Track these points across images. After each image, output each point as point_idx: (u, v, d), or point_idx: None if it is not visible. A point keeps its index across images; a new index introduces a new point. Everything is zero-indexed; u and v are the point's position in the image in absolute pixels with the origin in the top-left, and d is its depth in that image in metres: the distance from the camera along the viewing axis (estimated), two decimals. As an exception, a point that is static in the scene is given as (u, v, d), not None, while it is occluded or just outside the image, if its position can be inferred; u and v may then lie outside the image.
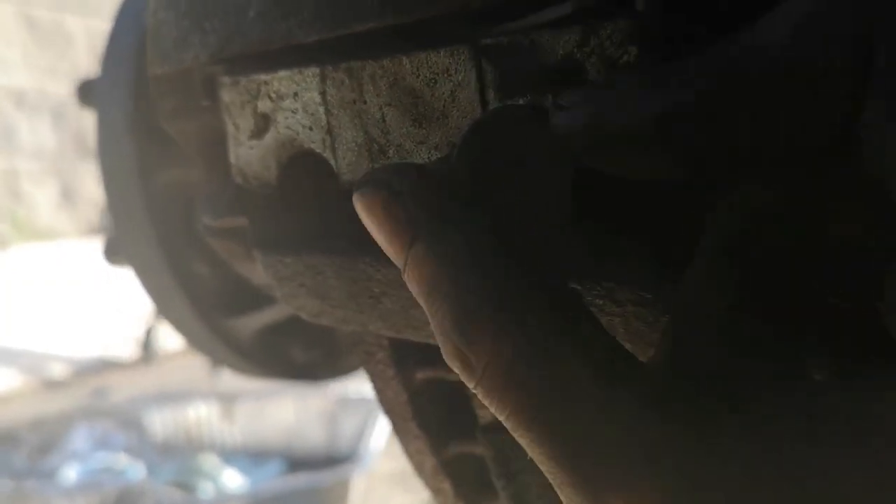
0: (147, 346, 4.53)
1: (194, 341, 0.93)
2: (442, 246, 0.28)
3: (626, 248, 0.36)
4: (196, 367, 4.07)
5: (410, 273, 0.28)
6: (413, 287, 0.28)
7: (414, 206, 0.28)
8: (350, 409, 3.25)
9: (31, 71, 5.44)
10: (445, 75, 0.38)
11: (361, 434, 3.02)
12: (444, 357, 0.28)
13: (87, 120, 5.81)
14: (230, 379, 3.64)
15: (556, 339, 0.26)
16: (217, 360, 0.95)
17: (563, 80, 0.36)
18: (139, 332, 4.53)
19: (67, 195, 5.67)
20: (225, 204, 0.54)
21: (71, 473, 2.83)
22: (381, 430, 2.92)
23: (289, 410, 3.36)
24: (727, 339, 0.27)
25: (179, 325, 0.91)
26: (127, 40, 0.80)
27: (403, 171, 0.29)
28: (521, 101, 0.37)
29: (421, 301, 0.28)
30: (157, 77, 0.50)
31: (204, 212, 0.56)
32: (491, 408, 0.27)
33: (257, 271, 0.58)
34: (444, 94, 0.38)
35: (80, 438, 3.07)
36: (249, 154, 0.46)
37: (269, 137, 0.45)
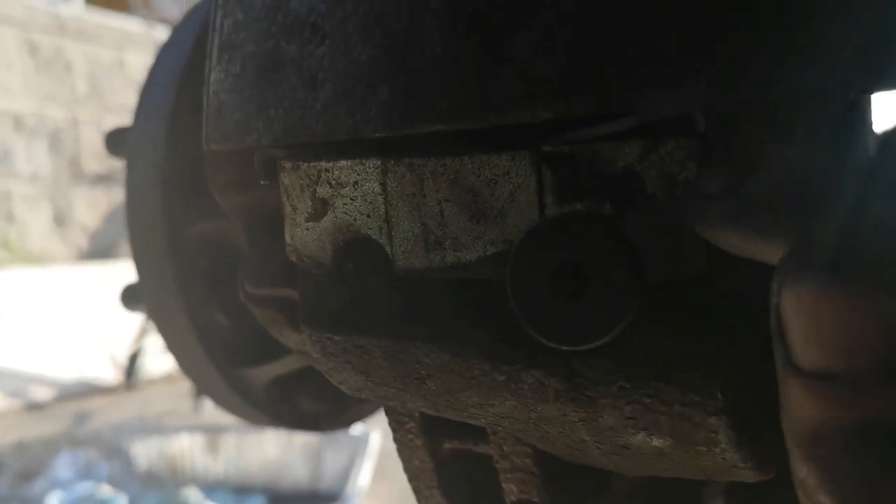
0: (130, 373, 4.51)
1: (207, 389, 0.94)
2: None
3: (676, 350, 0.38)
4: (179, 395, 4.07)
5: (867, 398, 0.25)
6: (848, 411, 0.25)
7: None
8: (336, 447, 3.24)
9: (30, 96, 5.46)
10: (506, 177, 0.40)
11: (346, 472, 3.01)
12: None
13: (83, 146, 5.83)
14: (214, 410, 3.63)
15: None
16: (228, 409, 0.96)
17: (622, 190, 0.38)
18: (123, 358, 4.51)
19: (60, 220, 5.66)
20: (269, 275, 0.56)
21: (54, 502, 2.81)
22: (367, 469, 2.91)
23: (273, 445, 3.35)
24: None
25: (193, 373, 0.92)
26: (163, 94, 0.81)
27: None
28: (578, 207, 0.39)
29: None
30: (213, 153, 0.52)
31: (246, 279, 0.58)
32: None
33: (294, 338, 0.59)
34: (503, 194, 0.40)
35: (63, 466, 3.05)
36: (305, 235, 0.48)
37: (327, 221, 0.46)
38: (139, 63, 6.56)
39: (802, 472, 0.27)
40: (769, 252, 0.31)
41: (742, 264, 0.37)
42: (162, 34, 5.95)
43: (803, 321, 0.26)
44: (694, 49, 0.35)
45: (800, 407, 0.27)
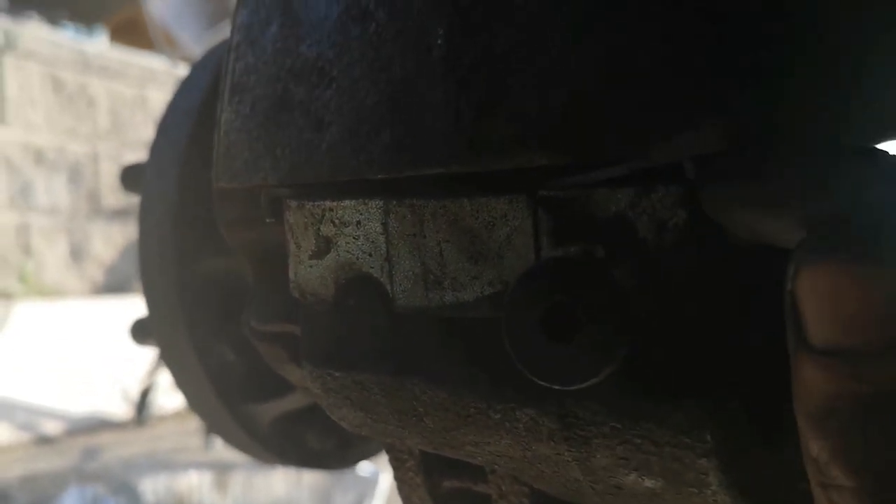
0: (141, 409, 4.52)
1: (213, 425, 0.95)
2: None
3: (667, 392, 0.39)
4: (188, 432, 4.07)
5: (873, 372, 0.27)
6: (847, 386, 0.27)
7: None
8: (344, 486, 3.22)
9: (52, 130, 5.54)
10: (503, 220, 0.41)
11: (355, 513, 2.99)
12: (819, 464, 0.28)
13: (102, 181, 5.90)
14: (224, 448, 3.63)
15: None
16: (234, 445, 0.97)
17: (614, 235, 0.39)
18: (134, 394, 4.52)
19: (76, 254, 5.72)
20: (273, 311, 0.57)
21: (60, 536, 2.81)
22: (375, 511, 2.89)
23: (281, 483, 3.33)
24: None
25: (200, 409, 0.93)
26: (178, 133, 0.83)
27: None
28: (572, 250, 0.40)
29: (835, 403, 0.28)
30: (222, 189, 0.53)
31: (251, 315, 0.59)
32: None
33: (296, 374, 0.60)
34: (500, 236, 0.41)
35: (71, 501, 3.04)
36: (308, 272, 0.49)
37: (330, 259, 0.48)
38: (161, 100, 6.65)
39: (815, 448, 0.28)
40: (780, 230, 0.33)
41: (732, 307, 0.38)
42: (184, 72, 6.03)
43: (819, 299, 0.28)
44: (689, 98, 0.36)
45: (812, 384, 0.28)
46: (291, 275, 0.50)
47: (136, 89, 6.28)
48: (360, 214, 0.46)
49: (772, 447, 0.45)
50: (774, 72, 0.36)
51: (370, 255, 0.46)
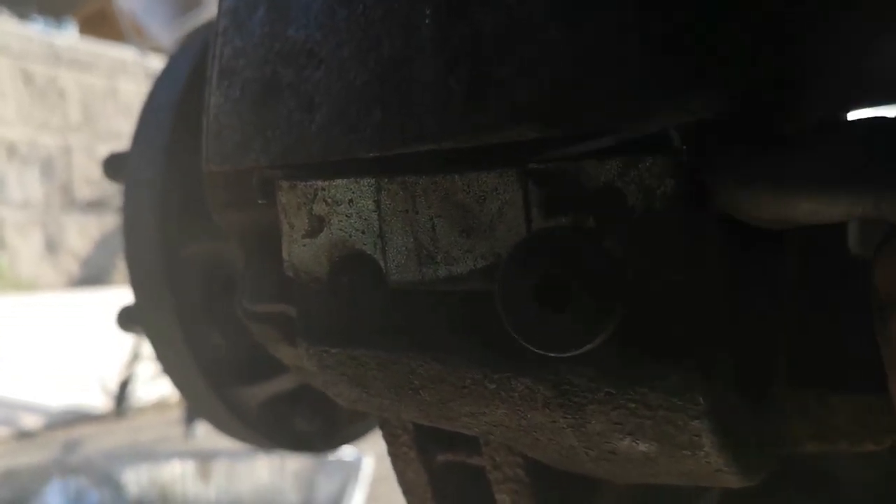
0: (120, 400, 4.50)
1: (201, 409, 0.95)
2: None
3: (660, 356, 0.40)
4: (169, 422, 4.06)
5: None
6: None
7: None
8: (328, 472, 3.22)
9: (24, 124, 5.50)
10: (494, 193, 0.42)
11: (339, 498, 3.00)
12: None
13: (75, 173, 5.86)
14: (205, 437, 3.63)
15: None
16: (223, 430, 0.97)
17: (604, 205, 0.40)
18: (113, 386, 4.50)
19: (51, 247, 5.68)
20: (266, 291, 0.57)
21: (44, 530, 2.79)
22: (359, 494, 2.90)
23: (265, 471, 3.33)
24: None
25: (188, 393, 0.93)
26: (161, 118, 0.83)
27: None
28: (563, 221, 0.41)
29: None
30: (213, 173, 0.54)
31: (244, 296, 0.59)
32: None
33: (289, 354, 0.61)
34: (492, 210, 0.42)
35: (53, 494, 3.03)
36: (302, 251, 0.49)
37: (323, 237, 0.48)
38: (132, 91, 6.61)
39: None
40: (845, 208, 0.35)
41: (720, 272, 0.39)
42: (155, 63, 5.99)
43: None
44: (671, 71, 0.37)
45: None
46: (285, 254, 0.51)
47: (106, 80, 6.23)
48: (353, 193, 0.46)
49: (759, 412, 0.46)
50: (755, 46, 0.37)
51: (363, 232, 0.46)
